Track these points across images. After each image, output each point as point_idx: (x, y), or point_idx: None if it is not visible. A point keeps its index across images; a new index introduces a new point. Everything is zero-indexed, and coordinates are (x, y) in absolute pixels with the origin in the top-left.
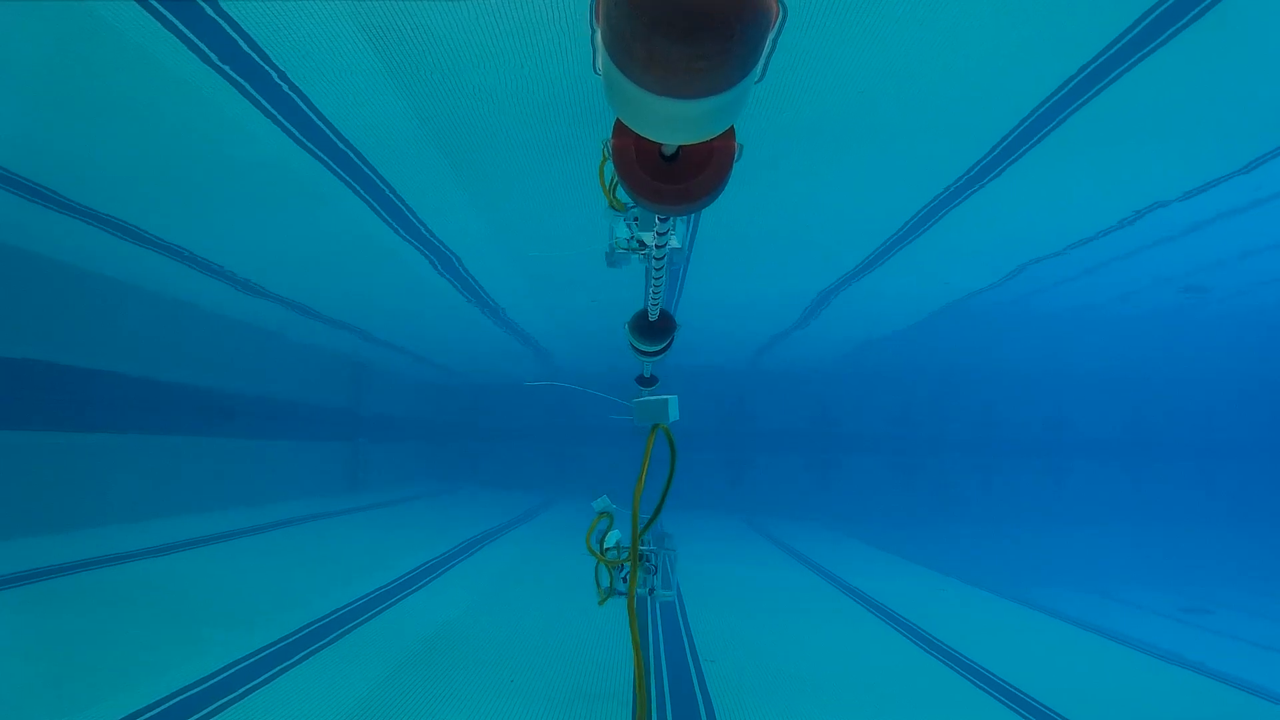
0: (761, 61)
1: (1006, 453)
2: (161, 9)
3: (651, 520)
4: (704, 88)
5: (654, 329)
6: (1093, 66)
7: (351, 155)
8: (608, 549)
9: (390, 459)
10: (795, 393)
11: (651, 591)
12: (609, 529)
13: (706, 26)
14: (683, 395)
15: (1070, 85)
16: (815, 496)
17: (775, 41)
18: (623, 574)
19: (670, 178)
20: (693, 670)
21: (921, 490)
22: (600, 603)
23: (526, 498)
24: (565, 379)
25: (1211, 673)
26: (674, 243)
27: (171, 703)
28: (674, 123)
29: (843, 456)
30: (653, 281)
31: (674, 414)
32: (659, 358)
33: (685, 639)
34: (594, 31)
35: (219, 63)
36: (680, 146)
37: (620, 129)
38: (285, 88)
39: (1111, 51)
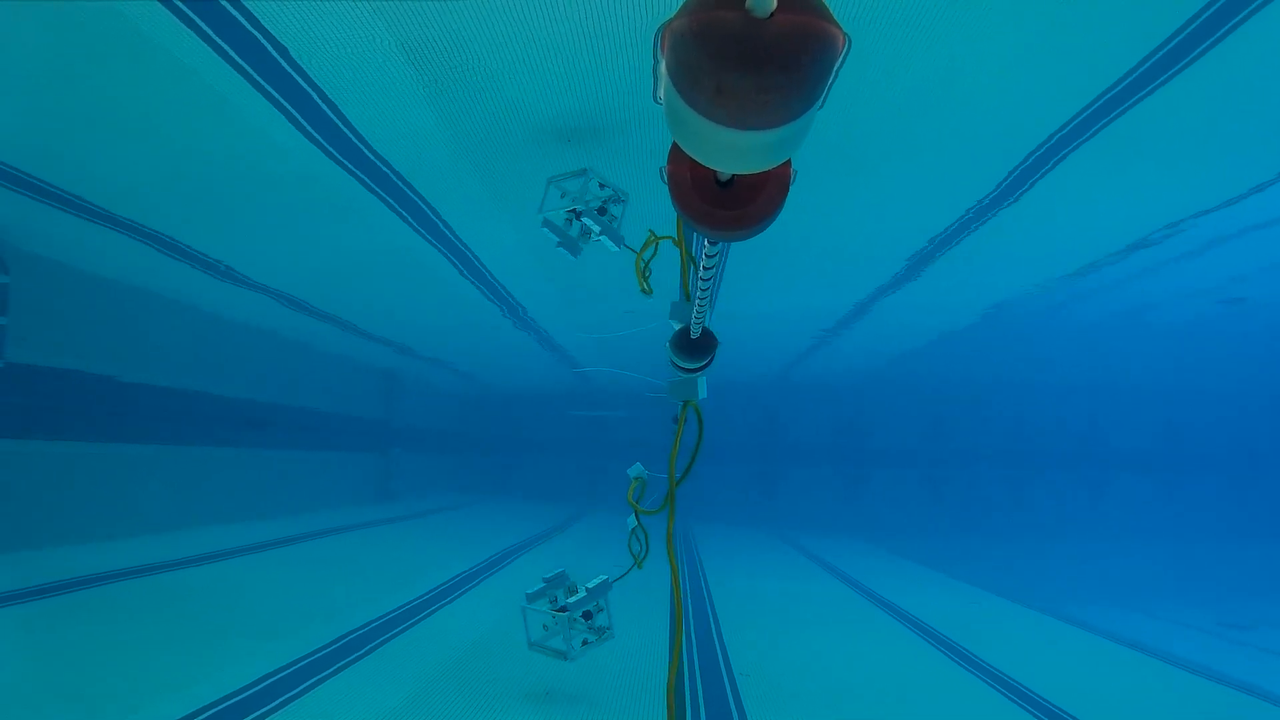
0: (825, 91)
1: (1040, 465)
2: (199, 20)
3: (684, 476)
4: (771, 119)
5: (696, 346)
6: (1129, 79)
7: (384, 168)
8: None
9: (421, 470)
10: (827, 406)
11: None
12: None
13: (776, 59)
14: (714, 409)
15: (1105, 98)
16: (847, 509)
17: (839, 70)
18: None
19: (725, 203)
20: (728, 685)
21: (954, 503)
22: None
23: (559, 510)
24: (597, 392)
25: (1254, 690)
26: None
27: (205, 715)
28: (739, 153)
29: (875, 469)
30: (698, 299)
31: (703, 392)
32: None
33: (720, 653)
34: (657, 61)
35: (256, 77)
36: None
37: (675, 155)
38: (320, 102)
39: (1147, 65)
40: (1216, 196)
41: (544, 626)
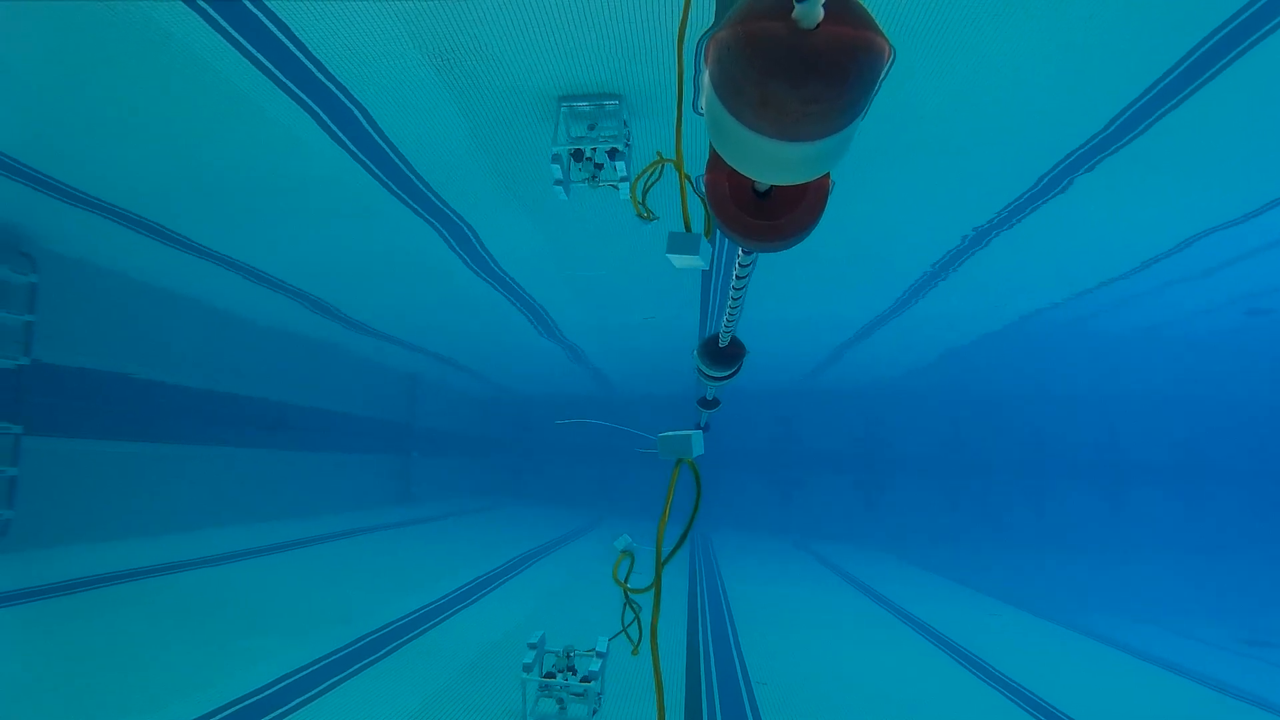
0: (869, 102)
1: (1059, 477)
2: (225, 24)
3: (675, 548)
4: (815, 131)
5: (724, 354)
6: (1154, 91)
7: (408, 172)
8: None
9: (442, 473)
10: (846, 414)
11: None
12: (631, 565)
13: (822, 70)
14: (734, 416)
15: (1131, 110)
16: (865, 518)
17: (882, 82)
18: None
19: (763, 214)
20: (745, 694)
21: (971, 513)
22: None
23: (577, 515)
24: (617, 395)
25: (1272, 707)
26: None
27: (224, 714)
28: (781, 164)
29: (892, 478)
30: (729, 308)
31: (698, 449)
32: (726, 382)
33: (737, 661)
34: (699, 71)
35: (283, 78)
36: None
37: (714, 163)
38: (349, 104)
39: (1173, 75)
40: (1239, 209)
41: (558, 701)
